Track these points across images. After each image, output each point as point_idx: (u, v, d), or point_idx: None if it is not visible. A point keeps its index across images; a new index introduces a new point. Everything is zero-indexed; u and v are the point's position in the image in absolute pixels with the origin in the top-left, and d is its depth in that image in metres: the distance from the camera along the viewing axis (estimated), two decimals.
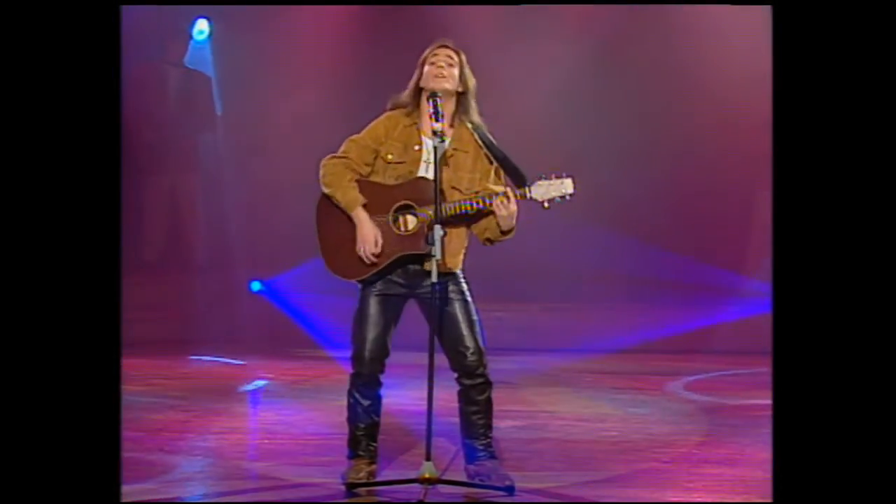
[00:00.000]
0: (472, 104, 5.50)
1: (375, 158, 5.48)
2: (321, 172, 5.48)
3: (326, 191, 5.47)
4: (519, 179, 5.40)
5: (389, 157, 5.46)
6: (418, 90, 5.49)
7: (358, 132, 5.56)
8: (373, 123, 5.55)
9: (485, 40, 11.68)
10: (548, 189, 5.36)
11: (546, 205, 5.37)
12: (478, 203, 5.36)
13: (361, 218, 5.39)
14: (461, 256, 5.52)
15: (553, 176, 5.37)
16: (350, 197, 5.41)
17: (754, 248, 11.26)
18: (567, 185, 5.37)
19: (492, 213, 5.38)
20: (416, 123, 5.50)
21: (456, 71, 5.44)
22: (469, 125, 5.50)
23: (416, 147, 5.46)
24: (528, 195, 5.36)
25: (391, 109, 5.56)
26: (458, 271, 5.50)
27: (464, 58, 5.49)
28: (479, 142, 5.49)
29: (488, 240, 5.51)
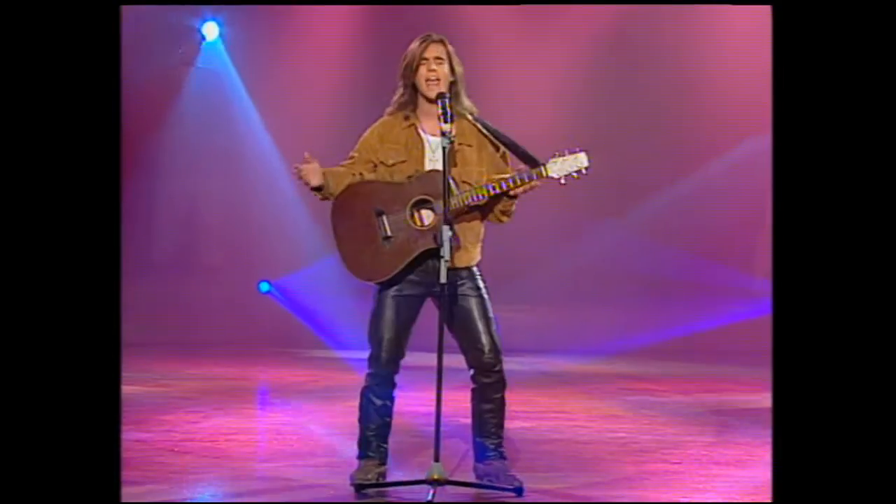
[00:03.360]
0: (462, 89, 5.49)
1: (375, 167, 5.48)
2: None
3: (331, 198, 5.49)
4: (532, 161, 5.37)
5: (390, 160, 5.45)
6: (414, 90, 5.48)
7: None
8: (365, 134, 5.54)
9: (491, 40, 11.70)
10: (563, 165, 5.31)
11: (563, 181, 5.34)
12: (495, 188, 5.31)
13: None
14: (477, 250, 5.49)
15: (567, 152, 5.34)
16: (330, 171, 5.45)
17: (764, 247, 11.27)
18: (582, 159, 5.31)
19: (508, 196, 5.36)
20: (413, 124, 5.49)
21: (446, 66, 5.43)
22: (469, 117, 5.49)
23: (417, 146, 5.45)
24: (544, 174, 5.33)
25: (392, 112, 5.53)
26: (475, 267, 5.49)
27: (450, 48, 5.46)
28: (483, 132, 5.47)
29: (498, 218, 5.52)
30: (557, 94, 12.00)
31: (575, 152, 5.33)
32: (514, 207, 5.45)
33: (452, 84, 5.45)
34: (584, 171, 5.33)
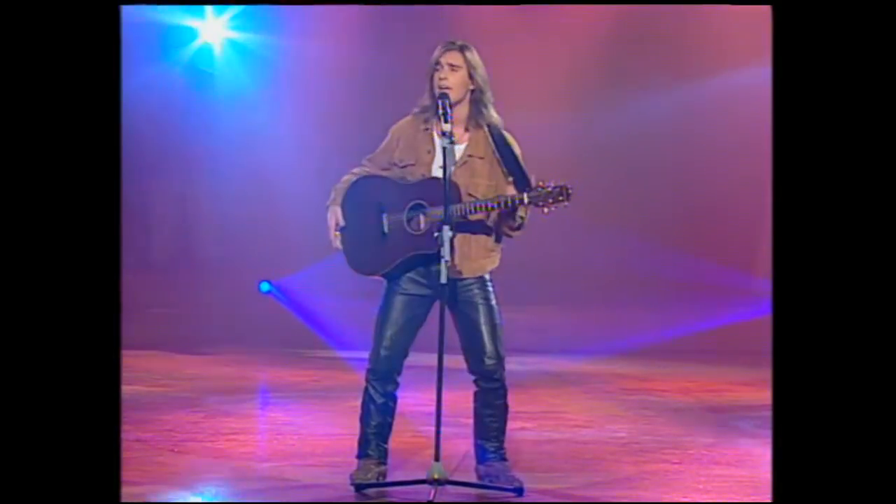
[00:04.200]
0: (487, 100, 5.47)
1: (390, 168, 5.51)
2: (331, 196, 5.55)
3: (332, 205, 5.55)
4: (520, 184, 5.35)
5: (402, 162, 5.48)
6: (433, 94, 5.48)
7: (370, 132, 5.60)
8: (388, 135, 5.59)
9: (490, 41, 11.70)
10: (543, 196, 5.28)
11: (546, 211, 5.32)
12: (489, 205, 5.31)
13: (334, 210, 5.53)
14: (486, 262, 5.49)
15: (551, 183, 5.29)
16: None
17: (765, 248, 11.26)
18: (563, 193, 5.27)
19: (507, 213, 5.34)
20: (429, 128, 5.50)
21: (461, 73, 5.42)
22: (486, 128, 5.48)
23: (428, 150, 5.46)
24: (524, 201, 5.31)
25: (416, 113, 5.55)
26: (486, 276, 5.49)
27: (470, 56, 5.43)
28: (493, 144, 5.46)
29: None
30: (556, 95, 11.99)
31: (559, 184, 5.26)
32: (516, 224, 5.39)
33: (473, 92, 5.44)
34: (566, 204, 5.27)
